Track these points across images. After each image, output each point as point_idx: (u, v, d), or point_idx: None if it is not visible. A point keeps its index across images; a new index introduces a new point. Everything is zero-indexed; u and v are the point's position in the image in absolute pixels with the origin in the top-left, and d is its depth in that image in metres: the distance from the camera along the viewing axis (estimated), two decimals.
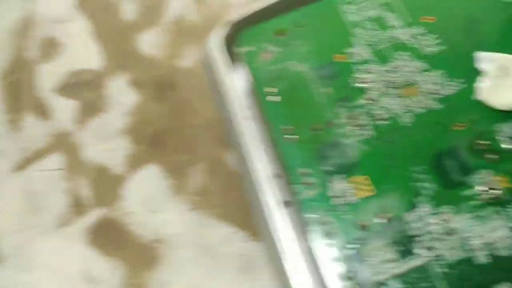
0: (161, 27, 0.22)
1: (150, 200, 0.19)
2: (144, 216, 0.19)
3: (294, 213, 0.15)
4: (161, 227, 0.19)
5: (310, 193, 0.15)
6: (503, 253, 0.13)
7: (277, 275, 0.16)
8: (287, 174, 0.15)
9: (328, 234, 0.14)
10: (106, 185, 0.20)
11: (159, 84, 0.21)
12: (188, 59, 0.22)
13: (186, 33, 0.22)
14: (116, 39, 0.22)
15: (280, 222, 0.14)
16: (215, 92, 0.17)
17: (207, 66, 0.18)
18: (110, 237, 0.19)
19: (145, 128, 0.21)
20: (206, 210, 0.19)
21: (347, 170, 0.15)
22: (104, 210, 0.19)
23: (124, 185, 0.20)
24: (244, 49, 0.17)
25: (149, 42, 0.22)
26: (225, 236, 0.19)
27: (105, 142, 0.21)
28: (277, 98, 0.16)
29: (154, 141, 0.20)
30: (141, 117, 0.21)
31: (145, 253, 0.19)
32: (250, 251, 0.18)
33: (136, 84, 0.21)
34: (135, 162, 0.20)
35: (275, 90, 0.16)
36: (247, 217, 0.19)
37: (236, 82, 0.17)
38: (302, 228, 0.14)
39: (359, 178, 0.15)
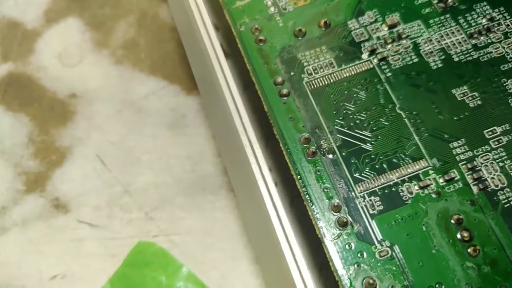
0: None
1: (67, 54, 0.17)
2: (59, 71, 0.17)
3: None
4: (78, 81, 0.16)
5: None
6: (456, 58, 0.12)
7: (219, 127, 0.14)
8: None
9: (265, 56, 0.12)
10: (18, 40, 0.17)
11: None
12: None
13: None
14: None
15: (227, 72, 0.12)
16: None
17: None
18: (19, 93, 0.16)
19: None
20: (131, 64, 0.17)
21: None
22: (13, 65, 0.17)
23: (38, 40, 0.17)
24: None
25: None
26: (152, 90, 0.16)
27: None
28: None
29: None
30: None
31: (58, 108, 0.16)
32: (181, 106, 0.16)
33: None
34: (52, 16, 0.18)
35: None
36: (178, 71, 0.17)
37: None
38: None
39: None
